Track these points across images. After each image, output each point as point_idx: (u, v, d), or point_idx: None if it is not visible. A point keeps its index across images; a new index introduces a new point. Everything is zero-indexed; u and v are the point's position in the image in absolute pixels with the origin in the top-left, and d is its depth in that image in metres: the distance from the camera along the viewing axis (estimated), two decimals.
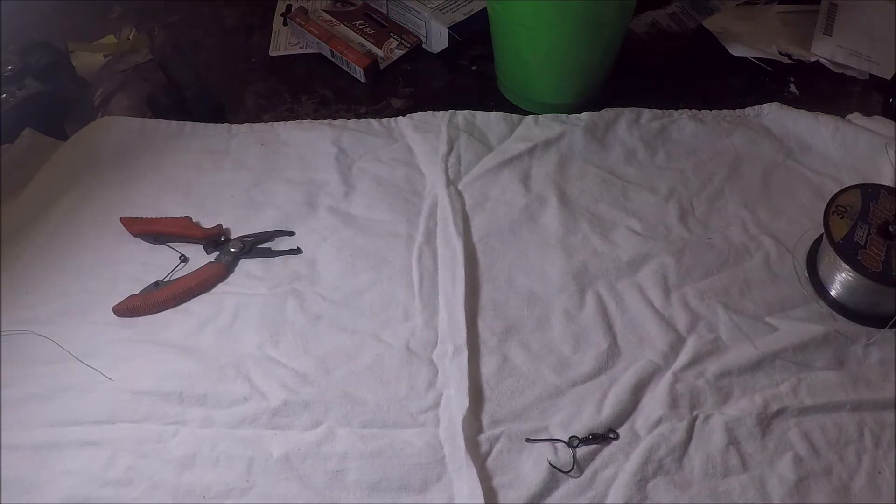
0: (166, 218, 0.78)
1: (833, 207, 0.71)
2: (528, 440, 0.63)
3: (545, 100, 0.89)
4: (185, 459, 0.61)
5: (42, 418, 0.63)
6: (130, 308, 0.71)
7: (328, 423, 0.63)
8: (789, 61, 0.97)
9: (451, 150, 0.84)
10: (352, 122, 0.88)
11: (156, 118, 0.89)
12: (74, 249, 0.76)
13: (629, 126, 0.87)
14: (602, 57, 0.86)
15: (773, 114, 0.88)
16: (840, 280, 0.69)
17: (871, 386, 0.65)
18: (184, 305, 0.72)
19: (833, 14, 1.00)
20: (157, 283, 0.73)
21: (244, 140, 0.87)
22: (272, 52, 1.00)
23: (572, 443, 0.62)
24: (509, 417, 0.64)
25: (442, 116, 0.87)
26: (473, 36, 0.96)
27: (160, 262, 0.75)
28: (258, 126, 0.88)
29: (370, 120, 0.89)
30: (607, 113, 0.87)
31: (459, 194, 0.80)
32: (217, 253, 0.76)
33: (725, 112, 0.89)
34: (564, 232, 0.77)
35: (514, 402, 0.65)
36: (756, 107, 0.89)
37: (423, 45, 0.99)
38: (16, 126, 0.85)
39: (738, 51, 0.97)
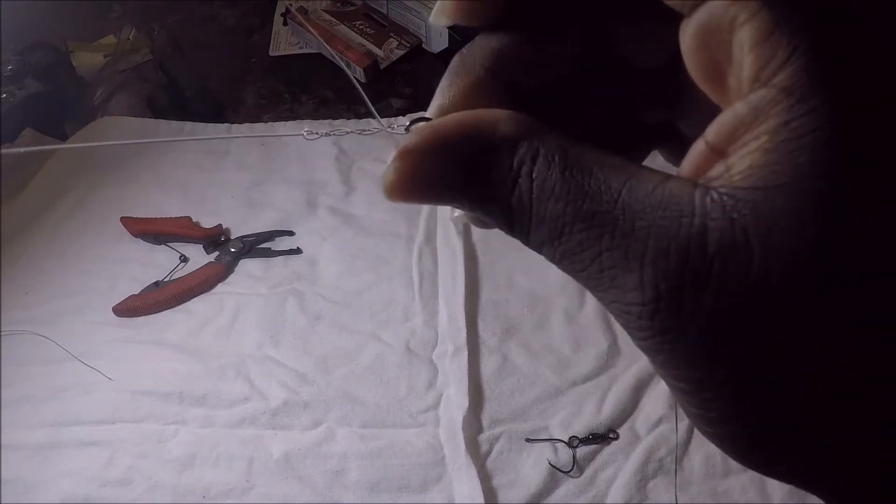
0: (166, 218, 0.78)
1: None
2: (528, 440, 0.63)
3: None
4: (185, 459, 0.61)
5: (42, 418, 0.63)
6: (130, 308, 0.71)
7: (328, 423, 0.63)
8: None
9: None
10: (352, 122, 0.88)
11: (156, 118, 0.89)
12: (74, 249, 0.76)
13: None
14: None
15: None
16: None
17: None
18: (184, 305, 0.72)
19: None
20: (157, 283, 0.73)
21: (244, 140, 0.87)
22: (272, 52, 1.00)
23: (572, 443, 0.62)
24: (509, 417, 0.64)
25: None
26: (473, 36, 0.96)
27: (160, 262, 0.75)
28: (258, 126, 0.88)
29: (370, 120, 0.89)
30: None
31: None
32: (217, 253, 0.76)
33: None
34: None
35: (514, 402, 0.65)
36: None
37: (423, 45, 0.99)
38: (16, 126, 0.85)
39: None
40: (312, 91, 0.94)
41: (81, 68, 0.95)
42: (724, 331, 0.16)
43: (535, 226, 0.18)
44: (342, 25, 0.99)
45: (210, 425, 0.63)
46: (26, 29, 0.93)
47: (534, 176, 0.18)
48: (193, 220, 0.78)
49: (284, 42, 1.01)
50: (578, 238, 0.17)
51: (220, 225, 0.78)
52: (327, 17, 1.00)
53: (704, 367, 0.16)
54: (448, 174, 0.19)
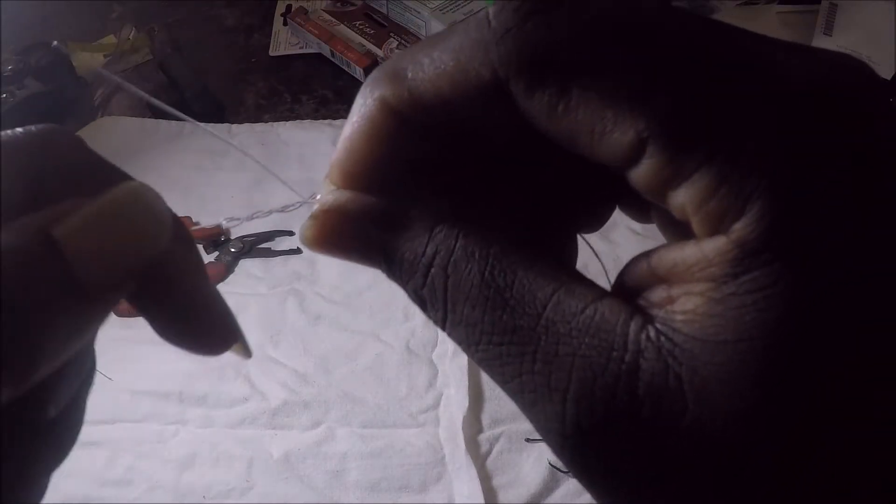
0: None
1: None
2: (528, 440, 0.63)
3: None
4: (185, 459, 0.61)
5: None
6: (131, 308, 0.71)
7: (328, 423, 0.63)
8: None
9: None
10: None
11: (156, 118, 0.89)
12: None
13: None
14: None
15: None
16: None
17: None
18: None
19: (833, 14, 0.99)
20: None
21: (244, 140, 0.87)
22: (272, 52, 1.00)
23: None
24: (509, 417, 0.64)
25: None
26: None
27: None
28: (258, 126, 0.88)
29: None
30: None
31: None
32: (217, 253, 0.76)
33: None
34: None
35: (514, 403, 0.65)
36: None
37: None
38: (16, 126, 0.85)
39: None
40: (312, 91, 0.94)
41: (81, 68, 0.95)
42: (648, 476, 0.15)
43: (451, 325, 0.16)
44: (342, 25, 0.99)
45: (210, 425, 0.63)
46: (26, 29, 0.93)
47: (448, 272, 0.16)
48: (193, 220, 0.78)
49: (284, 42, 1.01)
50: (497, 351, 0.16)
51: (220, 225, 0.78)
52: (327, 16, 1.00)
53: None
54: (363, 241, 0.18)
